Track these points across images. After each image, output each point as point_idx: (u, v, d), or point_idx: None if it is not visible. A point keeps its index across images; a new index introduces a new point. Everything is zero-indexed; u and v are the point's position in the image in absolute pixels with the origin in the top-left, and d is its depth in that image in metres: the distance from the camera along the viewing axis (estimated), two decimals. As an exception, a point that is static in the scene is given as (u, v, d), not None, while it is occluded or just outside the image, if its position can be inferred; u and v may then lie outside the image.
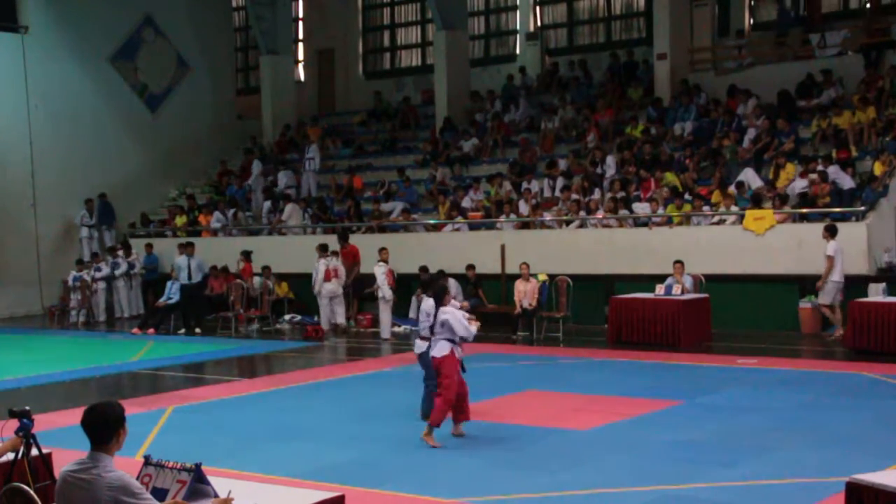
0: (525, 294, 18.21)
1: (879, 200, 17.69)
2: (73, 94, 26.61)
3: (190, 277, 21.53)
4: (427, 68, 30.31)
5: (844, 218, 17.44)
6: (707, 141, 21.47)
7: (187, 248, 21.91)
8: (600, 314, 18.81)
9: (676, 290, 17.15)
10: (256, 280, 21.52)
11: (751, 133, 20.94)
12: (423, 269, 19.65)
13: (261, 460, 9.69)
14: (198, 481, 5.57)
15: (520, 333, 18.31)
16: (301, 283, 21.69)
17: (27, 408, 6.49)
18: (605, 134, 23.38)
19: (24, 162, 25.68)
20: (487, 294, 19.86)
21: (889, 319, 14.88)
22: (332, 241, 20.81)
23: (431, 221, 22.50)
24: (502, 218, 21.14)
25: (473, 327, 10.57)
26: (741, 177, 19.33)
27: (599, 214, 19.96)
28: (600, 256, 19.38)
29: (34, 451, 6.63)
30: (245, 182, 26.96)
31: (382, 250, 19.21)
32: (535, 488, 8.55)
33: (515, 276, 18.72)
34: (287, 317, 21.86)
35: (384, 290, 18.97)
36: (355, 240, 21.27)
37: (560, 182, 21.64)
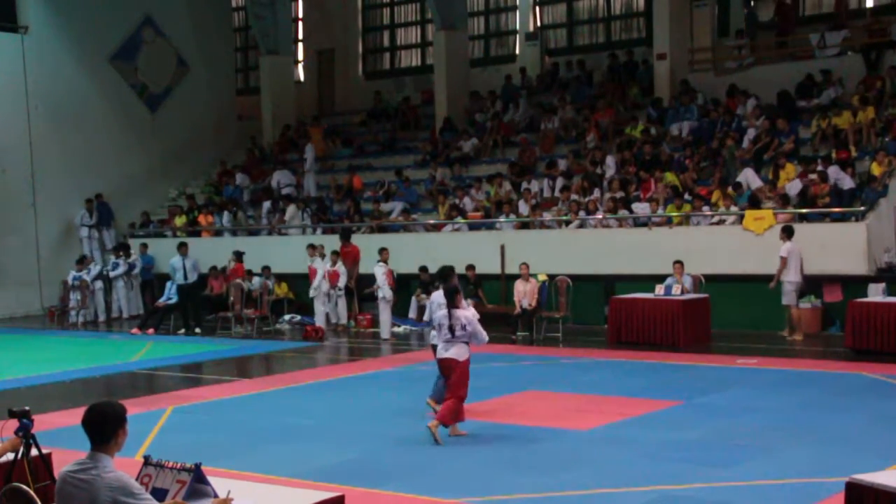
0: (525, 294, 18.21)
1: (879, 200, 17.68)
2: (73, 94, 26.58)
3: (186, 278, 21.52)
4: (427, 68, 30.31)
5: (844, 218, 17.46)
6: (707, 141, 21.47)
7: (181, 249, 21.90)
8: (600, 314, 18.83)
9: (676, 290, 17.15)
10: (256, 280, 21.52)
11: (750, 133, 20.94)
12: (423, 269, 19.66)
13: (260, 460, 9.68)
14: (197, 481, 5.56)
15: (520, 333, 18.30)
16: (301, 283, 21.70)
17: (27, 408, 6.47)
18: (604, 134, 23.38)
19: (24, 162, 25.67)
20: (487, 294, 19.84)
21: (889, 319, 14.89)
22: (333, 242, 20.80)
23: (431, 221, 22.50)
24: (502, 218, 21.14)
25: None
26: (741, 177, 19.33)
27: (599, 214, 19.96)
28: (600, 256, 19.37)
29: (34, 452, 6.62)
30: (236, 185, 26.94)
31: (383, 250, 19.22)
32: (535, 488, 8.55)
33: (515, 277, 18.72)
34: (287, 317, 21.86)
35: (384, 291, 18.98)
36: (355, 240, 21.25)
37: (560, 182, 21.64)
